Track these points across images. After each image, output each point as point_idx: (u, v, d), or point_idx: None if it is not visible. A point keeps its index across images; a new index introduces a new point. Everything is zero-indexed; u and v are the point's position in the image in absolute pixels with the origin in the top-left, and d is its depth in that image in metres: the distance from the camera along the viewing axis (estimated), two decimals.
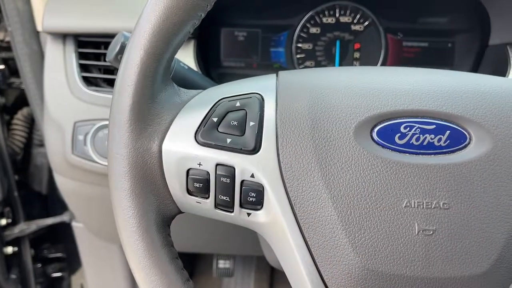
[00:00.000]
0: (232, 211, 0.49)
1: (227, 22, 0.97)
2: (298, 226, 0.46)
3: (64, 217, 1.31)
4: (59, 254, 1.42)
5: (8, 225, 1.24)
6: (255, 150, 0.47)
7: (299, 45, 0.97)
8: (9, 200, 1.22)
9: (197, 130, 0.48)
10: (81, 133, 0.86)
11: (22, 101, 1.25)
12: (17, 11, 0.92)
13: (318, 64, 0.98)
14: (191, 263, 1.53)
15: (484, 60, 0.93)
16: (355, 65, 0.98)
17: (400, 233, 0.44)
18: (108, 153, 0.49)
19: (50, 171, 1.30)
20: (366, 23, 0.95)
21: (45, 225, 1.30)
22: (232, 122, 0.48)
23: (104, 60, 0.91)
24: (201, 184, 0.48)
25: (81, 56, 0.90)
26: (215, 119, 0.48)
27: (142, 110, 0.47)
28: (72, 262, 1.45)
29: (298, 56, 0.97)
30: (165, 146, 0.48)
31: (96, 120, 0.86)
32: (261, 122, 0.48)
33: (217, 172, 0.48)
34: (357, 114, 0.47)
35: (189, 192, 0.49)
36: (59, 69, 0.89)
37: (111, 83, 0.91)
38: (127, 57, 0.48)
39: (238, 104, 0.49)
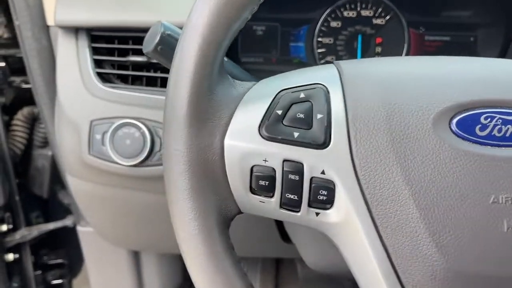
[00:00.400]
0: (299, 211, 0.45)
1: None
2: (374, 226, 0.43)
3: (66, 222, 1.25)
4: (59, 260, 1.36)
5: (8, 231, 1.18)
6: (325, 144, 0.44)
7: (320, 39, 0.94)
8: (10, 205, 1.17)
9: (260, 124, 0.45)
10: (99, 132, 0.81)
11: (21, 100, 1.19)
12: (26, 4, 0.87)
13: (339, 59, 0.95)
14: None
15: (508, 54, 0.92)
16: None
17: (488, 231, 0.41)
18: (164, 150, 0.45)
19: (51, 174, 1.24)
20: (388, 17, 0.93)
21: (47, 230, 1.24)
22: (298, 115, 0.45)
23: (119, 55, 0.87)
24: (266, 182, 0.45)
25: (94, 51, 0.86)
26: (279, 112, 0.45)
27: (201, 103, 0.44)
28: (73, 267, 1.39)
29: (319, 50, 0.94)
30: (227, 141, 0.45)
31: (114, 118, 0.81)
32: (329, 114, 0.45)
33: (284, 169, 0.44)
34: (434, 104, 0.44)
35: (252, 190, 0.45)
36: (73, 65, 0.84)
37: (124, 79, 0.87)
38: (183, 46, 0.44)
39: (302, 95, 0.45)
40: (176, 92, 0.44)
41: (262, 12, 0.95)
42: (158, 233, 0.99)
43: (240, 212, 0.47)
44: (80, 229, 1.17)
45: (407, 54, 0.94)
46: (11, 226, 1.18)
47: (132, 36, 0.87)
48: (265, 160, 0.44)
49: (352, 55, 0.95)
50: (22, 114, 1.17)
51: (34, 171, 1.24)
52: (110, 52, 0.88)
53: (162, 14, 0.83)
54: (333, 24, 0.94)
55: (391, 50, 0.94)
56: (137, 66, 0.87)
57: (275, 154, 0.44)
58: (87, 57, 0.84)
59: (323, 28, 0.93)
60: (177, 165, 0.44)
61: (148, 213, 0.92)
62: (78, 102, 0.83)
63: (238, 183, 0.45)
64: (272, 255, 1.15)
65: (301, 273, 1.46)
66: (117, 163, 0.81)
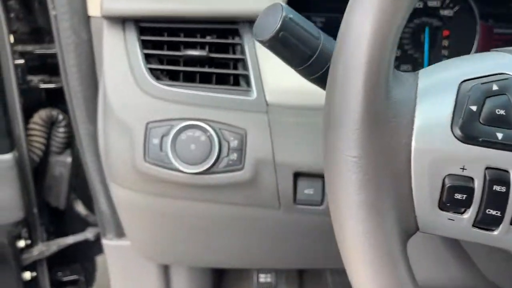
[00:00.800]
0: (496, 230, 0.37)
1: (304, 6, 0.85)
2: None
3: (88, 235, 1.15)
4: (74, 277, 1.24)
5: (26, 247, 1.07)
6: None
7: None
8: (27, 218, 1.05)
9: (452, 122, 0.37)
10: (156, 136, 0.71)
11: (38, 102, 1.08)
12: None
13: (404, 53, 0.87)
14: (219, 279, 1.39)
15: None
16: (444, 55, 0.88)
17: None
18: (332, 157, 0.37)
19: (69, 183, 1.13)
20: (457, 7, 0.86)
21: (66, 244, 1.13)
22: (498, 111, 0.36)
23: (168, 49, 0.77)
24: (464, 195, 0.36)
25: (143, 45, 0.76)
26: (473, 108, 0.37)
27: (379, 99, 0.35)
28: (88, 282, 1.28)
29: None
30: (415, 145, 0.36)
31: (174, 120, 0.72)
32: None
33: (487, 178, 0.36)
34: None
35: (441, 205, 0.37)
36: (122, 61, 0.74)
37: (174, 76, 0.77)
38: (353, 30, 0.36)
39: (495, 87, 0.37)
40: (346, 87, 0.36)
41: (322, 2, 0.87)
42: (207, 246, 0.89)
43: (416, 231, 0.39)
44: (106, 242, 1.06)
45: (477, 49, 0.87)
46: (29, 242, 1.06)
47: (184, 28, 0.77)
48: (463, 168, 0.36)
49: (418, 49, 0.87)
50: (40, 117, 1.06)
51: (50, 180, 1.13)
52: (156, 46, 0.78)
53: (220, 3, 0.74)
54: None
55: (460, 44, 0.87)
56: (188, 62, 0.78)
57: (476, 160, 0.36)
58: (137, 52, 0.75)
59: None
60: (352, 175, 0.36)
61: (202, 225, 0.82)
62: (130, 102, 0.73)
63: (424, 196, 0.37)
64: (330, 266, 1.07)
65: (331, 283, 1.39)
66: (179, 170, 0.71)
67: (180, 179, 0.72)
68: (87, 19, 0.79)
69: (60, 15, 0.77)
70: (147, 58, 0.77)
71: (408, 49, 0.87)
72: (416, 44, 0.87)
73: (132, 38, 0.75)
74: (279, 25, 0.46)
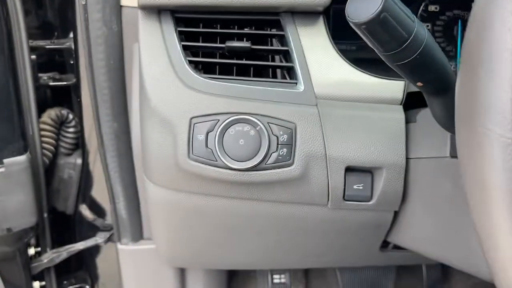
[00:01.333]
0: None
1: None
2: None
3: (98, 240, 1.09)
4: (80, 285, 1.18)
5: (35, 255, 1.01)
6: None
7: None
8: (38, 224, 0.99)
9: None
10: (201, 132, 0.68)
11: (46, 100, 1.03)
12: None
13: None
14: (229, 279, 1.35)
15: None
16: None
17: None
18: (479, 140, 0.34)
19: (78, 187, 1.08)
20: None
21: (76, 250, 1.07)
22: None
23: (204, 41, 0.74)
24: None
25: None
26: None
27: None
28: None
29: None
30: None
31: (220, 114, 0.68)
32: None
33: None
34: None
35: None
36: (160, 53, 0.70)
37: (210, 69, 0.74)
38: (499, 11, 0.34)
39: None
40: (500, 67, 0.34)
41: None
42: (240, 248, 0.86)
43: None
44: (121, 247, 1.01)
45: None
46: (38, 249, 1.00)
47: (220, 19, 0.74)
48: None
49: (451, 43, 0.86)
50: (49, 116, 1.00)
51: (58, 183, 1.07)
52: (189, 38, 0.74)
53: None
54: (431, 8, 0.85)
55: None
56: (223, 54, 0.74)
57: None
58: (176, 44, 0.71)
59: (421, 13, 0.85)
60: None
61: (241, 226, 0.79)
62: (171, 96, 0.69)
63: None
64: (368, 263, 1.05)
65: (340, 281, 1.37)
66: (226, 167, 0.67)
67: (227, 176, 0.68)
68: (119, 9, 0.75)
69: (90, 5, 0.73)
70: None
71: (440, 42, 0.86)
72: (448, 37, 0.86)
73: (170, 29, 0.71)
74: (381, 6, 0.43)
